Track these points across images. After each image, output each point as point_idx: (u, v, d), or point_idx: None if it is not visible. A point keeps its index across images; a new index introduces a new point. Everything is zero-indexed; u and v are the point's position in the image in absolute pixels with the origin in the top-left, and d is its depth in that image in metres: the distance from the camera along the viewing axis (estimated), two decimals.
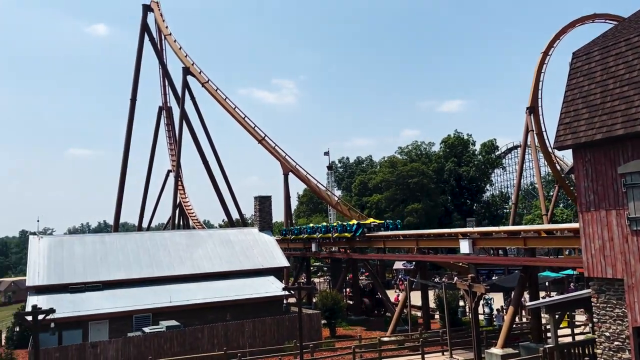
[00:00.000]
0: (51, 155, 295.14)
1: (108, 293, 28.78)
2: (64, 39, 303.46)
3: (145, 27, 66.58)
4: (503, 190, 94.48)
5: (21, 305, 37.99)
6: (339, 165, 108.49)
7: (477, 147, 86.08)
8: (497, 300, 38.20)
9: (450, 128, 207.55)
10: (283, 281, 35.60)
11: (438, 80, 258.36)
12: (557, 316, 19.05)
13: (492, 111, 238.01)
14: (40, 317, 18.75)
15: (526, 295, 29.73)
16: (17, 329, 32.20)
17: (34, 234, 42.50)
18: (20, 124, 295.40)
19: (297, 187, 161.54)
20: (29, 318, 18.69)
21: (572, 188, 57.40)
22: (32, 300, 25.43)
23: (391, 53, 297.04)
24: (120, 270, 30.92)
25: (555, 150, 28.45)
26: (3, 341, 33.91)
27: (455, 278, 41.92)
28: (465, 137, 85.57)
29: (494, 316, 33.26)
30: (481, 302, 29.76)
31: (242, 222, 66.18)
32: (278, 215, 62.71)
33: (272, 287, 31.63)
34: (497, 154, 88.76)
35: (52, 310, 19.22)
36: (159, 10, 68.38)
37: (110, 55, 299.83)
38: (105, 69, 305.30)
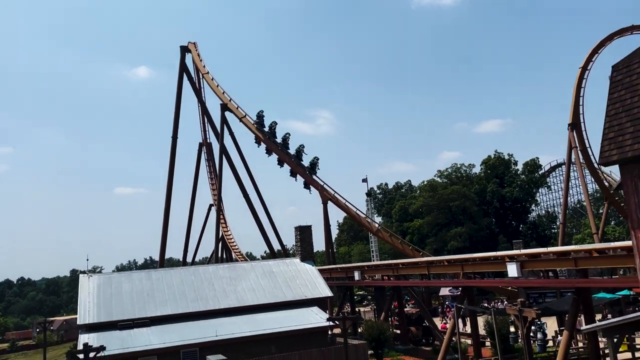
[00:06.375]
0: (99, 196, 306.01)
1: (156, 329, 29.19)
2: (107, 84, 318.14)
3: (183, 68, 69.35)
4: (549, 209, 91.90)
5: (73, 344, 38.97)
6: (378, 191, 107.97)
7: (519, 166, 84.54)
8: (552, 325, 36.71)
9: (489, 149, 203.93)
10: (327, 311, 35.30)
11: (472, 101, 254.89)
12: (615, 339, 18.09)
13: (532, 130, 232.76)
14: (91, 354, 19.19)
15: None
16: None
17: (84, 272, 43.79)
18: (69, 166, 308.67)
19: (336, 216, 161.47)
20: (81, 356, 19.17)
21: (622, 204, 55.10)
22: (83, 339, 26.03)
23: (422, 75, 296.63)
24: (167, 305, 31.41)
25: (602, 167, 27.50)
26: None
27: (505, 303, 40.66)
28: (506, 157, 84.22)
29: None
30: (533, 327, 28.61)
31: (284, 253, 66.42)
32: (318, 244, 62.68)
33: (316, 317, 31.37)
34: (540, 172, 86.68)
35: (102, 348, 19.67)
36: (197, 50, 70.95)
37: (151, 96, 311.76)
38: (147, 110, 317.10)
